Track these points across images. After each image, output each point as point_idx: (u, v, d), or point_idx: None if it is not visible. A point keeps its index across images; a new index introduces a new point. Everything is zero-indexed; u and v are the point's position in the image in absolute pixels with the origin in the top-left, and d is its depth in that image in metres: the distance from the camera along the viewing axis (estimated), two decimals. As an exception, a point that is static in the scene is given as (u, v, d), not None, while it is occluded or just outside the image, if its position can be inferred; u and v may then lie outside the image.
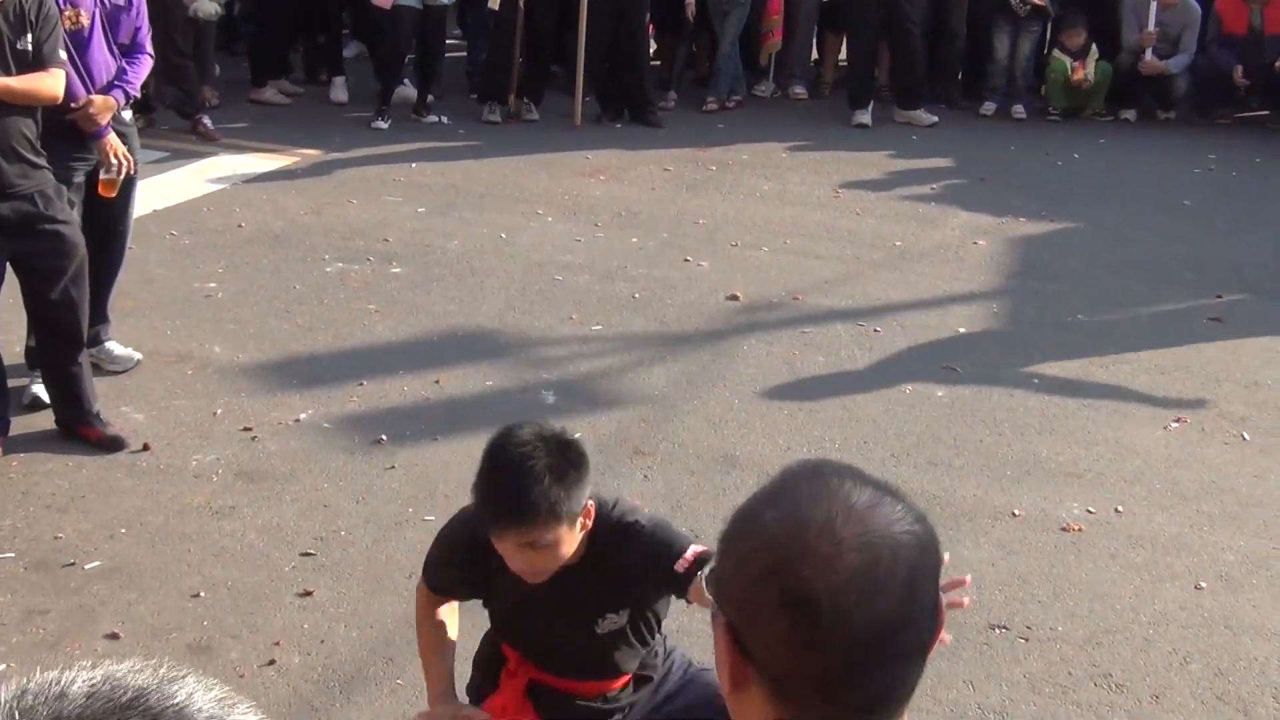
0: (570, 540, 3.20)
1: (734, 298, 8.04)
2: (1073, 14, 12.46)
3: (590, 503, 3.22)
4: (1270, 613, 5.26)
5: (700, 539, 5.48)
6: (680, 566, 3.26)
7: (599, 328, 7.59)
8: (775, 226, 9.34)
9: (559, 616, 3.42)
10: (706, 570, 1.65)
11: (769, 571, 1.45)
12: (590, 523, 3.25)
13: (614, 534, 3.33)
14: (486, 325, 7.58)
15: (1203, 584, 5.40)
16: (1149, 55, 12.33)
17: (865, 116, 12.07)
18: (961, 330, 7.74)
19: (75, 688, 0.99)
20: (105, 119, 6.27)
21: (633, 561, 3.33)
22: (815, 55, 13.73)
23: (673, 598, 3.44)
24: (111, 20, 6.37)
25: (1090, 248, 9.20)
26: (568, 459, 3.12)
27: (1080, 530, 5.71)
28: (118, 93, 6.34)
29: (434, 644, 3.67)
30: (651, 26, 12.52)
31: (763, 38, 12.77)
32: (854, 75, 12.42)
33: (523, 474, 3.08)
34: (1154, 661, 4.89)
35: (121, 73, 6.39)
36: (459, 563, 3.56)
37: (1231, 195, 10.52)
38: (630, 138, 11.41)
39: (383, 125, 11.35)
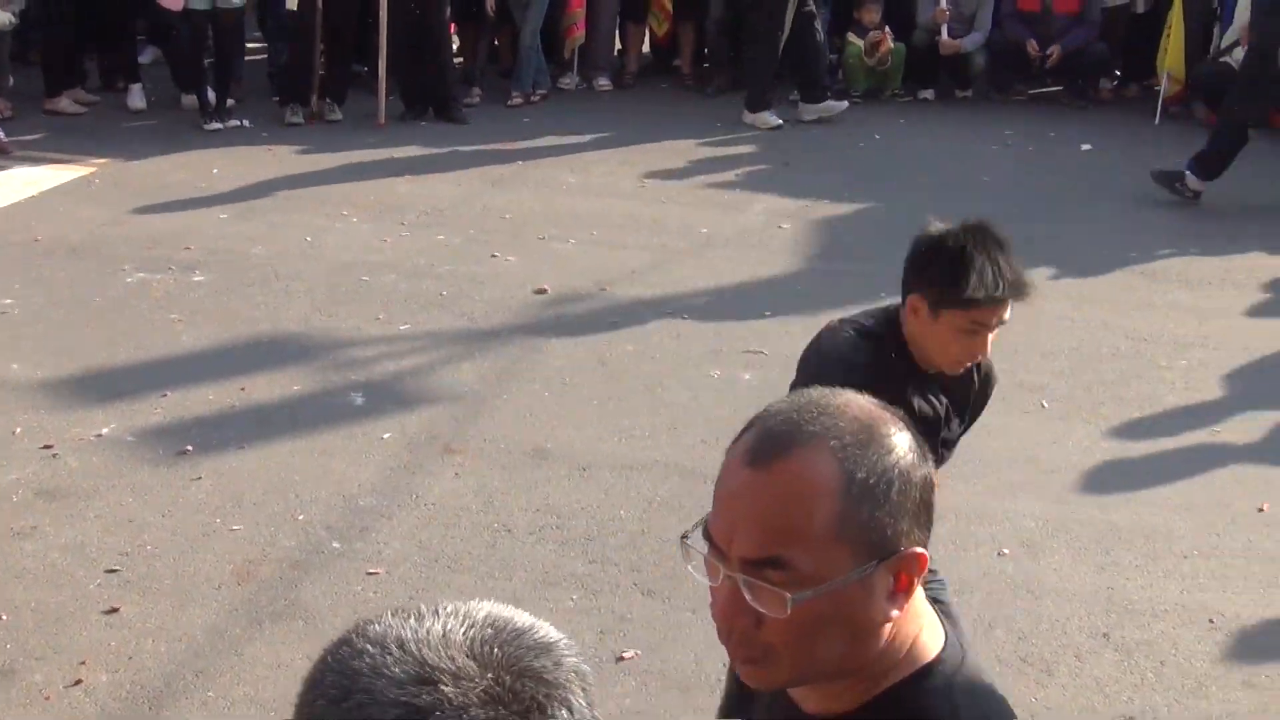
0: None
1: (542, 291, 8.05)
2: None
3: None
4: (1070, 575, 5.41)
5: (513, 534, 5.54)
6: None
7: (407, 327, 7.57)
8: (582, 219, 9.38)
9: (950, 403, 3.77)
10: None
11: None
12: None
13: None
14: (292, 329, 7.51)
15: (1005, 550, 5.54)
16: (944, 34, 12.55)
17: (774, 118, 12.02)
18: (767, 314, 7.83)
19: None
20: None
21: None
22: (619, 47, 13.77)
23: None
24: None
25: (893, 227, 9.29)
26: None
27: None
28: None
29: None
30: (452, 23, 12.47)
31: (565, 30, 12.78)
32: (759, 75, 12.27)
33: (1006, 252, 3.48)
34: (959, 629, 5.00)
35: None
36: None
37: (1028, 170, 10.75)
38: (435, 135, 11.36)
39: (219, 126, 11.23)
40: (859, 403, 1.77)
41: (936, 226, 3.61)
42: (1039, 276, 8.23)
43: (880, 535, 1.70)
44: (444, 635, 1.30)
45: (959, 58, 12.74)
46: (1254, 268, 8.59)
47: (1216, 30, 12.49)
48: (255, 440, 6.27)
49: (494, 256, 8.62)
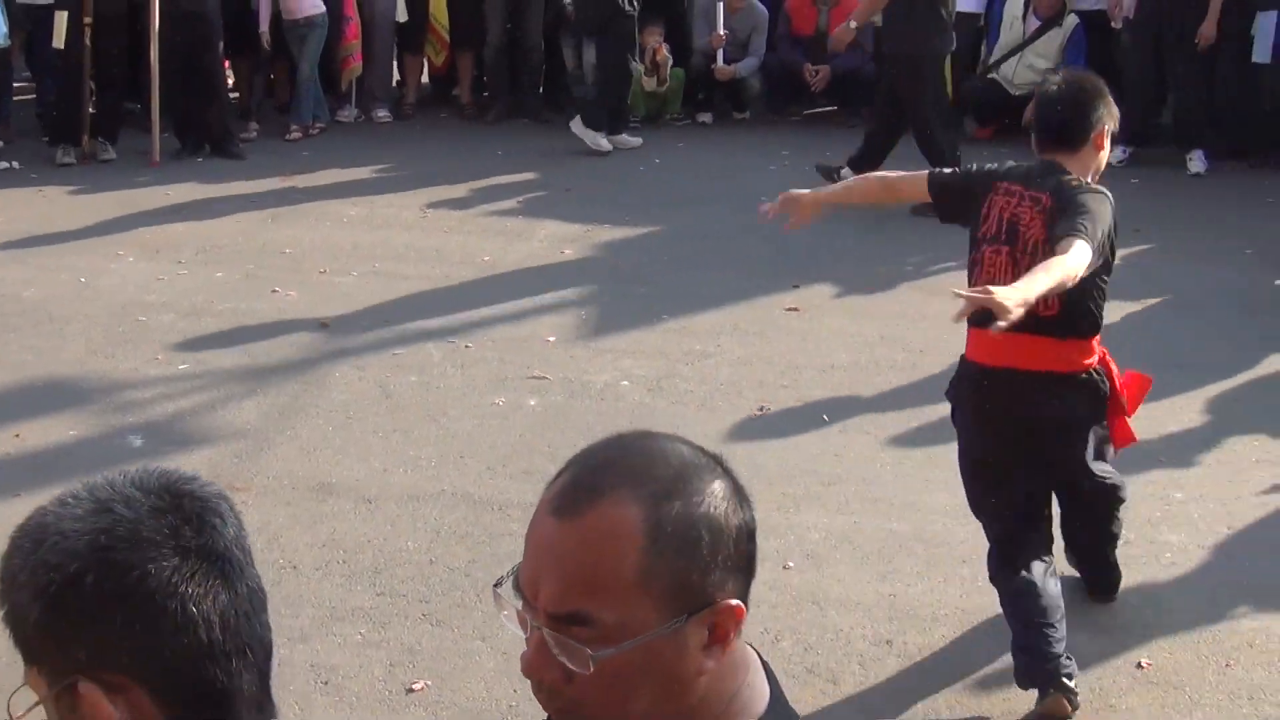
0: None
1: (324, 325, 7.99)
2: (649, 15, 12.69)
3: None
4: (853, 585, 5.50)
5: (299, 571, 5.48)
6: None
7: (186, 366, 7.45)
8: (363, 250, 9.32)
9: None
10: None
11: None
12: None
13: None
14: (68, 373, 7.35)
15: (790, 563, 5.62)
16: (720, 59, 12.71)
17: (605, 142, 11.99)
18: (551, 339, 7.85)
19: None
20: None
21: None
22: (397, 77, 13.72)
23: None
24: None
25: (674, 248, 9.45)
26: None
27: (672, 524, 5.84)
28: None
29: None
30: (226, 58, 12.32)
31: (342, 62, 12.70)
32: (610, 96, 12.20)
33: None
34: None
35: None
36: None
37: (803, 188, 10.89)
38: (212, 171, 11.20)
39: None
40: (675, 449, 1.73)
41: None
42: (818, 294, 8.42)
43: (690, 588, 1.66)
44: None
45: (736, 81, 12.92)
46: (1024, 277, 8.82)
47: (984, 46, 12.83)
48: (31, 487, 6.10)
49: (274, 292, 8.52)
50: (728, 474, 1.74)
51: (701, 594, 1.67)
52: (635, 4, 11.78)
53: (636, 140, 12.10)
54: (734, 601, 1.70)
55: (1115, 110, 4.85)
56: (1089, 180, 4.75)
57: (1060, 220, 4.55)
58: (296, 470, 6.33)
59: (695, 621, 1.67)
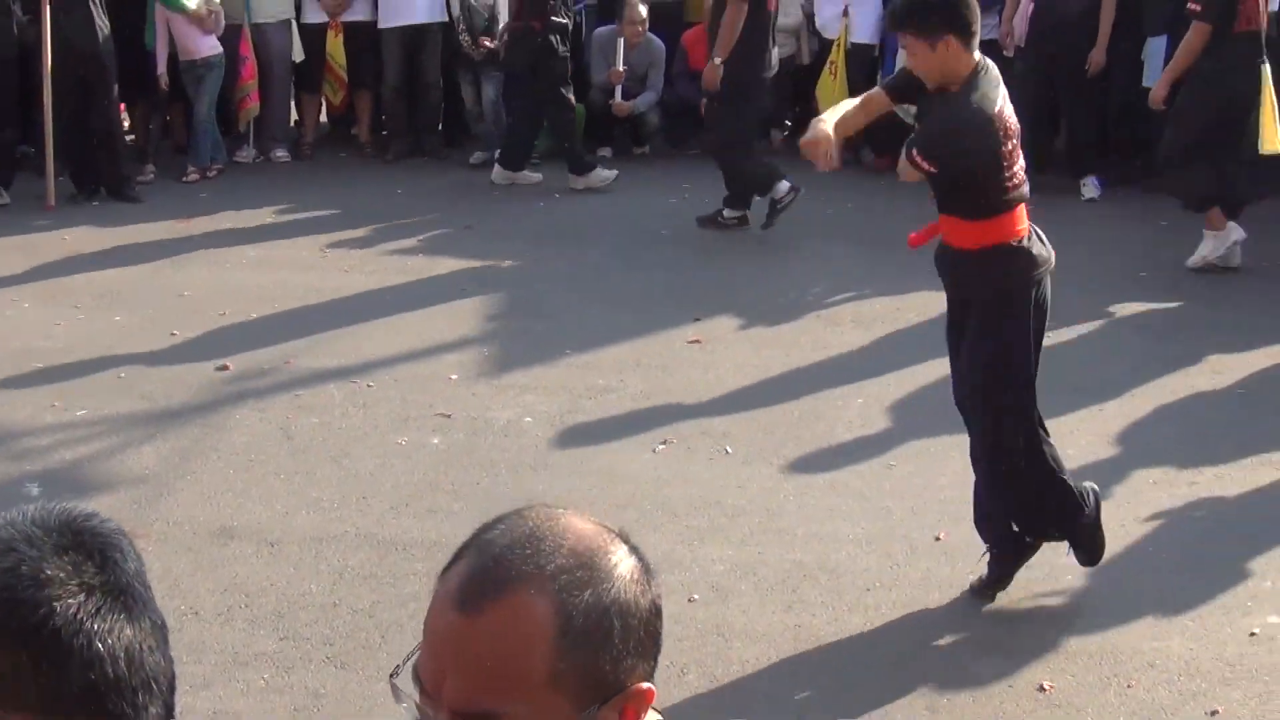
0: None
1: (224, 368, 7.93)
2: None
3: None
4: (757, 616, 5.52)
5: (200, 617, 5.43)
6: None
7: (84, 412, 7.37)
8: (264, 292, 9.26)
9: None
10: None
11: None
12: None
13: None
14: (-38, 422, 7.26)
15: (695, 596, 5.63)
16: (618, 95, 12.76)
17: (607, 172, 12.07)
18: (454, 377, 7.84)
19: None
20: None
21: None
22: (295, 117, 13.67)
23: None
24: None
25: (575, 283, 9.46)
26: None
27: (577, 560, 5.84)
28: None
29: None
30: (121, 101, 12.22)
31: (239, 103, 12.63)
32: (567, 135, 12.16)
33: None
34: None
35: None
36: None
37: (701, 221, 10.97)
38: (108, 214, 11.10)
39: None
40: (578, 529, 1.68)
41: None
42: (720, 326, 8.45)
43: (602, 678, 1.63)
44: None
45: (634, 116, 12.97)
46: (924, 305, 8.85)
47: (880, 76, 12.94)
48: (-76, 539, 6.02)
49: (173, 335, 8.45)
50: (633, 551, 1.70)
51: (614, 682, 1.64)
52: (566, 43, 11.85)
53: (537, 176, 12.11)
54: (645, 685, 1.67)
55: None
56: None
57: None
58: (197, 515, 6.28)
59: (607, 708, 1.64)
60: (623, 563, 1.67)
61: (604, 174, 11.93)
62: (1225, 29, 9.32)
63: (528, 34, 11.54)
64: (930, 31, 5.26)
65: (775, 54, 10.73)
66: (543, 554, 1.63)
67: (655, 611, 1.70)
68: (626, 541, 1.71)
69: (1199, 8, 9.29)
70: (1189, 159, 9.53)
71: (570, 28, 11.98)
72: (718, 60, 10.22)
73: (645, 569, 1.70)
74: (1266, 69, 9.12)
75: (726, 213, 10.85)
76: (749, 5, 10.12)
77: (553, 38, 11.61)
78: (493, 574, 1.63)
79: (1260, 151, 9.11)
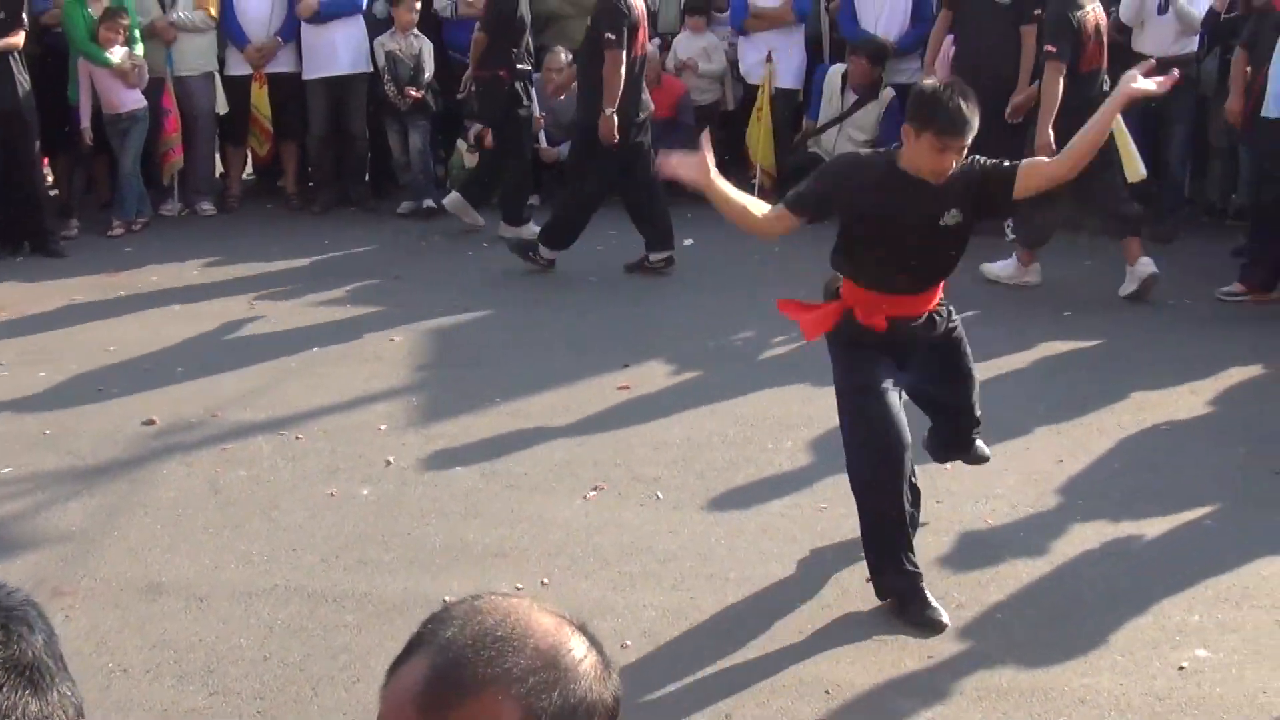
0: None
1: (150, 422, 7.86)
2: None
3: None
4: (691, 662, 5.52)
5: (129, 674, 5.37)
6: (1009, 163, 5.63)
7: (9, 470, 7.29)
8: (190, 345, 9.20)
9: (916, 213, 5.50)
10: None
11: None
12: None
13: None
14: (-116, 482, 7.17)
15: (628, 642, 5.61)
16: (543, 142, 12.79)
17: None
18: (383, 427, 7.81)
19: None
20: None
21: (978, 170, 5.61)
22: (220, 169, 13.61)
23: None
24: None
25: (504, 331, 9.47)
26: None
27: (509, 608, 5.82)
28: None
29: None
30: (44, 155, 12.15)
31: (163, 156, 12.58)
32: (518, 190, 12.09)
33: (969, 101, 5.35)
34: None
35: None
36: (853, 184, 5.60)
37: (630, 264, 10.99)
38: (32, 270, 11.01)
39: None
40: (540, 625, 1.66)
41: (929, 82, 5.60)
42: (649, 371, 8.47)
43: None
44: None
45: (561, 162, 12.98)
46: (851, 348, 8.93)
47: (805, 120, 13.04)
48: None
49: (99, 390, 8.38)
50: (592, 643, 1.69)
51: None
52: (531, 97, 11.91)
53: (480, 220, 12.10)
54: None
55: None
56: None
57: None
58: (124, 571, 6.22)
59: None
60: (585, 658, 1.65)
61: (535, 228, 11.94)
62: (1075, 68, 9.81)
63: (495, 83, 11.57)
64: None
65: (646, 95, 10.85)
66: (507, 655, 1.60)
67: (617, 702, 1.67)
68: (584, 632, 1.69)
69: (1055, 49, 9.76)
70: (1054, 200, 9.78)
71: (531, 75, 12.05)
72: (608, 111, 10.31)
73: (604, 661, 1.68)
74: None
75: (653, 257, 10.93)
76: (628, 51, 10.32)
77: (518, 85, 11.68)
78: (456, 677, 1.60)
79: (1129, 180, 9.79)
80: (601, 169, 10.65)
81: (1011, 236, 11.05)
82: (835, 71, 12.52)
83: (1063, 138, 9.54)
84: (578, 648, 1.65)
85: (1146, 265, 10.04)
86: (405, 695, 1.61)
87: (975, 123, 5.40)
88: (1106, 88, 9.46)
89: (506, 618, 1.65)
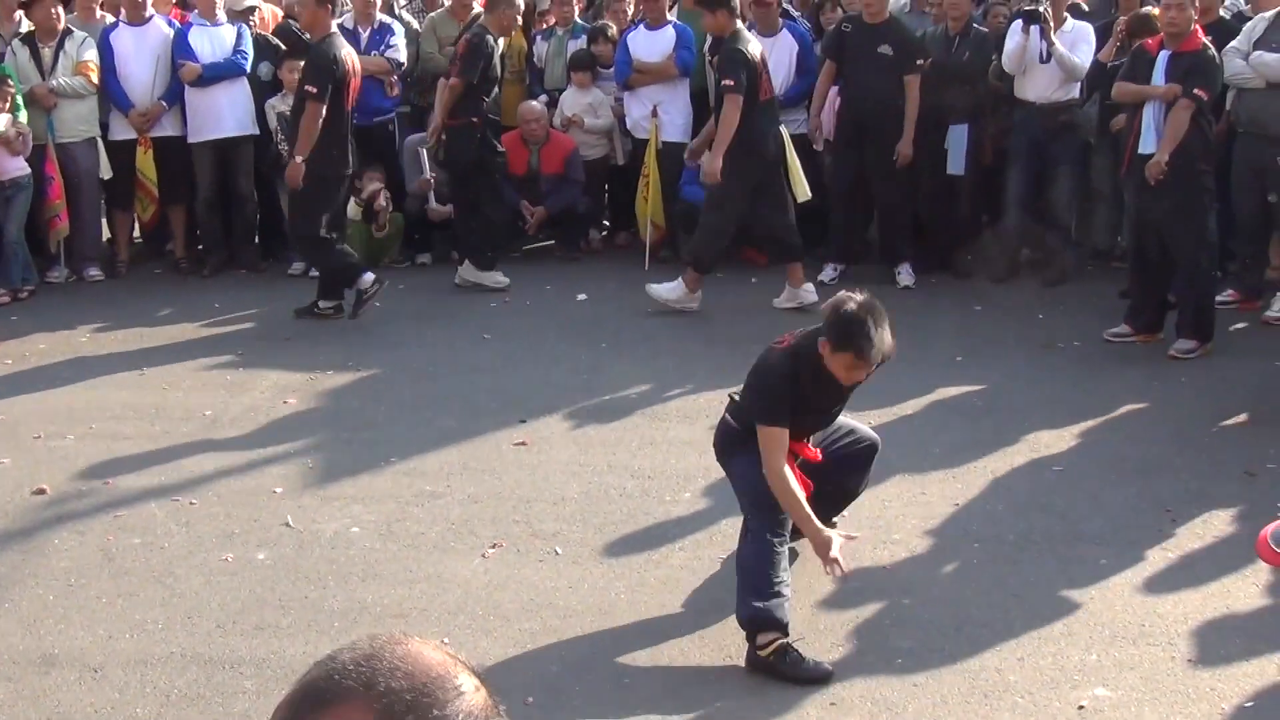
0: None
1: (40, 491, 7.74)
2: (368, 160, 12.65)
3: None
4: (594, 717, 5.50)
5: (22, 748, 5.27)
6: None
7: (-105, 544, 7.15)
8: (79, 412, 9.07)
9: (833, 397, 6.23)
10: None
11: None
12: None
13: None
14: None
15: (530, 699, 5.59)
16: (432, 201, 12.76)
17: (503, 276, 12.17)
18: (279, 490, 7.74)
19: None
20: None
21: None
22: (107, 234, 13.45)
23: None
24: None
25: (399, 391, 9.41)
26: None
27: (410, 669, 5.78)
28: None
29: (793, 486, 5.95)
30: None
31: (48, 223, 12.42)
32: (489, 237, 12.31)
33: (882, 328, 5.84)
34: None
35: None
36: (790, 394, 6.00)
37: (529, 323, 10.98)
38: (-85, 341, 10.84)
39: None
40: (424, 657, 1.65)
41: (845, 296, 5.91)
42: (546, 427, 8.46)
43: None
44: None
45: (451, 221, 12.95)
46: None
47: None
48: None
49: (-13, 461, 8.26)
50: (482, 687, 1.66)
51: None
52: (500, 146, 12.22)
53: (504, 278, 12.18)
54: None
55: None
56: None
57: None
58: (17, 643, 6.11)
59: None
60: (467, 695, 1.63)
61: (499, 277, 12.03)
62: (753, 100, 10.53)
63: (468, 130, 11.71)
64: None
65: (352, 149, 11.17)
66: (376, 674, 1.60)
67: None
68: (477, 676, 1.68)
69: (733, 82, 10.44)
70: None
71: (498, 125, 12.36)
72: (299, 159, 10.71)
73: (495, 703, 1.66)
74: (785, 130, 11.07)
75: (322, 304, 11.27)
76: (328, 104, 10.64)
77: (488, 132, 11.88)
78: (320, 688, 1.61)
79: (797, 200, 10.95)
80: (318, 215, 11.06)
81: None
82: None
83: (744, 172, 10.59)
84: (463, 683, 1.64)
85: (809, 292, 10.93)
86: (276, 710, 1.64)
87: (888, 346, 5.96)
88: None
89: (395, 647, 1.65)
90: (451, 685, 1.62)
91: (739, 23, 11.03)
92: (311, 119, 10.63)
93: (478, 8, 12.63)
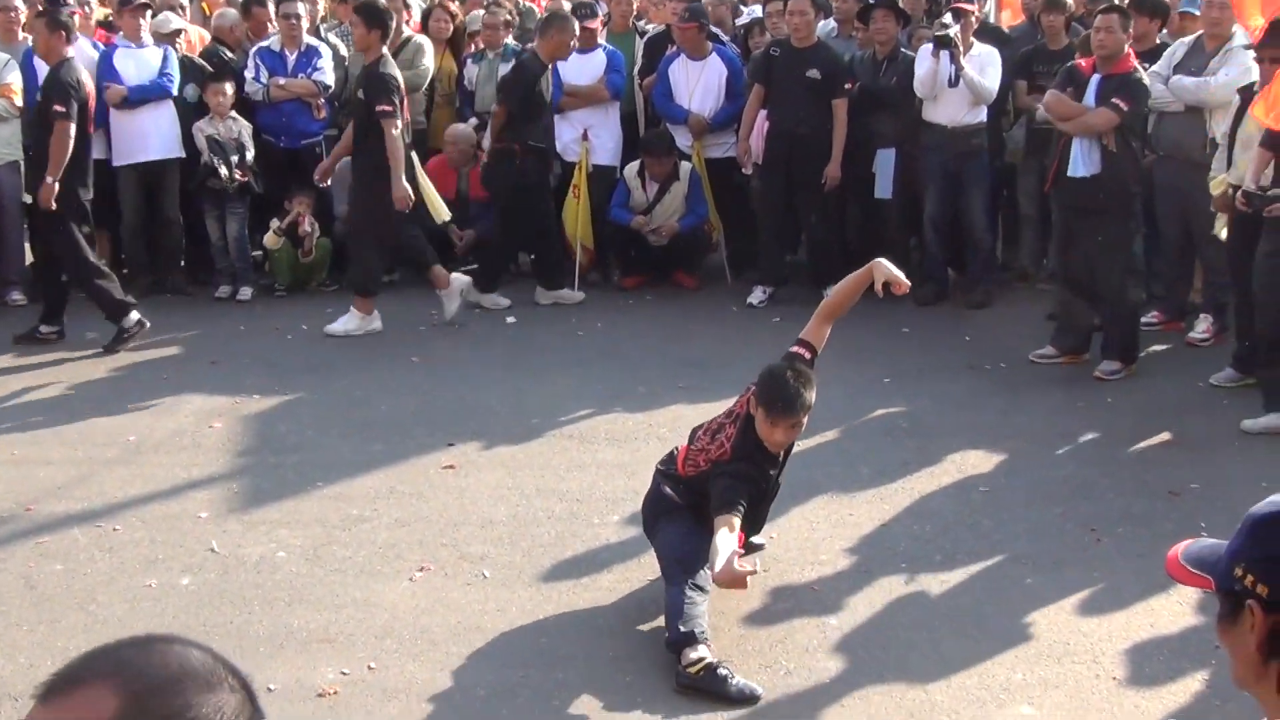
0: None
1: (-40, 518, 7.66)
2: (296, 185, 12.59)
3: None
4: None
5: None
6: None
7: None
8: (1, 437, 8.96)
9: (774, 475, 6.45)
10: None
11: None
12: None
13: None
14: None
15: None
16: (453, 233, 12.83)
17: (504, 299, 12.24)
18: (204, 515, 7.67)
19: None
20: None
21: None
22: (30, 259, 13.28)
23: None
24: None
25: (324, 415, 9.34)
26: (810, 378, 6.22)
27: (336, 694, 5.76)
28: None
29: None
30: None
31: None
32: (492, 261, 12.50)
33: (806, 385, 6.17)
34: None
35: None
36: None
37: (463, 347, 10.94)
38: None
39: None
40: (188, 655, 1.70)
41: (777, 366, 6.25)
42: (473, 450, 8.43)
43: None
44: None
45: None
46: (676, 419, 8.95)
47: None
48: None
49: (-94, 487, 8.14)
50: (246, 692, 1.71)
51: None
52: (549, 167, 12.33)
53: (579, 295, 12.27)
54: None
55: None
56: None
57: None
58: (-65, 672, 6.02)
59: None
60: (218, 695, 1.67)
61: (500, 300, 12.11)
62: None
63: (507, 155, 11.85)
64: None
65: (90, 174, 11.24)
66: (135, 663, 1.67)
67: None
68: (239, 677, 1.72)
69: (390, 108, 10.83)
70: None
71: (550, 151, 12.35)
72: (50, 179, 10.73)
73: (248, 711, 1.70)
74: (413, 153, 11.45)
75: (43, 328, 11.28)
76: (76, 126, 10.72)
77: (530, 159, 11.90)
78: (75, 669, 1.67)
79: (437, 221, 11.72)
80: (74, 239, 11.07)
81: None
82: (631, 169, 12.64)
83: (383, 193, 10.86)
84: (220, 681, 1.68)
85: (452, 298, 11.38)
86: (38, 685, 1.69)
87: (808, 403, 6.21)
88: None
89: (163, 641, 1.72)
90: (205, 681, 1.67)
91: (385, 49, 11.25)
92: (61, 140, 10.68)
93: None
